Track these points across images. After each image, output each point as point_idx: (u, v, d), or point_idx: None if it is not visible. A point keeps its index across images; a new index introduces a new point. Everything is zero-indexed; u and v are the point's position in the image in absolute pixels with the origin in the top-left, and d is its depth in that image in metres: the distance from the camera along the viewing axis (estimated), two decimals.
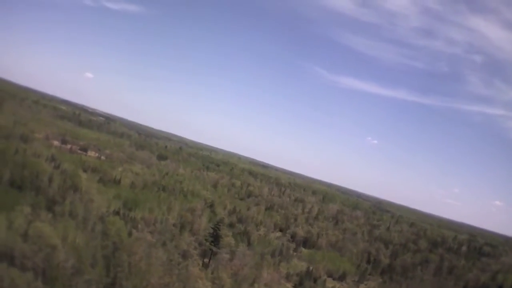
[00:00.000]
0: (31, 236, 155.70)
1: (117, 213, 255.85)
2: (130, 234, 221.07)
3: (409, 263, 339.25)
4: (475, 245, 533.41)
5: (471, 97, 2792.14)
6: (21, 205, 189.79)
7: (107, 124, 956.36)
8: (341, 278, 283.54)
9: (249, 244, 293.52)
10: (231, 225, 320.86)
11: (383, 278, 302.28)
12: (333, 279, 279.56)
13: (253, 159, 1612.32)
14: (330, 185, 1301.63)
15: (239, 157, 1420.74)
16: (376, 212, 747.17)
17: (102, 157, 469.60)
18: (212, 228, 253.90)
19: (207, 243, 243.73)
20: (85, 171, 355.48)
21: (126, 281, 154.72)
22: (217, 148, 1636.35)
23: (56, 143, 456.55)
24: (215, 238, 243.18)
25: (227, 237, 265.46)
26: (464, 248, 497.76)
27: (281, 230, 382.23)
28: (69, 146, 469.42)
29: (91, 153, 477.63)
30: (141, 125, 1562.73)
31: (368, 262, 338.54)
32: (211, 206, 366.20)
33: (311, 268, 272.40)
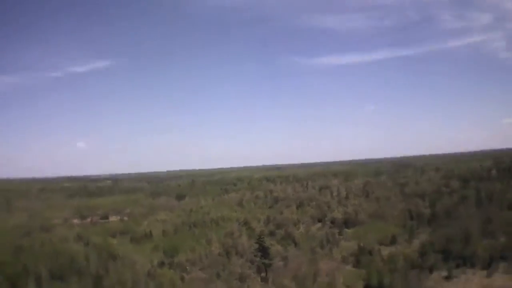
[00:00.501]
0: None
1: (161, 264, 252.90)
2: (182, 279, 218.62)
3: (449, 206, 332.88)
4: (503, 166, 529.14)
5: (448, 33, 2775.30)
6: None
7: (115, 185, 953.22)
8: (393, 242, 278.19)
9: (295, 244, 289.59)
10: (272, 234, 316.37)
11: (431, 228, 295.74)
12: (386, 246, 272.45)
13: (264, 165, 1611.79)
14: (346, 163, 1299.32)
15: (250, 169, 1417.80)
16: (399, 170, 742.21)
17: (125, 218, 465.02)
18: (256, 243, 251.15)
19: (258, 259, 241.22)
20: (113, 237, 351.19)
21: None
22: (227, 168, 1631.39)
23: (76, 221, 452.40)
24: (263, 251, 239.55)
25: (274, 246, 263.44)
26: (493, 172, 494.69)
27: (319, 221, 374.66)
28: (89, 219, 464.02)
29: (113, 218, 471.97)
30: (147, 173, 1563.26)
31: (411, 218, 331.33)
32: (246, 223, 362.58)
33: (361, 243, 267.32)
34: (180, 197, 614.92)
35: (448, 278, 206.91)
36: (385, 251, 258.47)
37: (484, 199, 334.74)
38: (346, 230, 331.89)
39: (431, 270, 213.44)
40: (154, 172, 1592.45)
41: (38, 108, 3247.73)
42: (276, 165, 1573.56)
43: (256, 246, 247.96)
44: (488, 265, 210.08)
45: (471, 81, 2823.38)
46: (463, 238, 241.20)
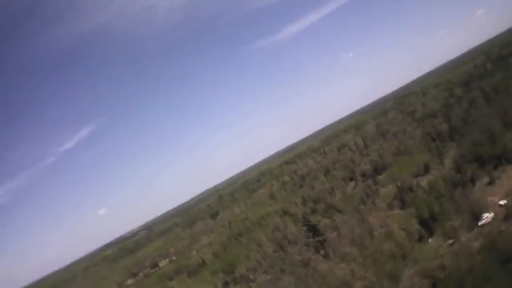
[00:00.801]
0: None
1: (226, 284, 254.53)
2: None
3: (462, 113, 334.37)
4: (495, 56, 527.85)
5: None
6: None
7: (150, 233, 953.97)
8: (426, 170, 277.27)
9: (339, 212, 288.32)
10: (313, 211, 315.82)
11: (456, 141, 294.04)
12: (421, 176, 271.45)
13: (277, 151, 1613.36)
14: (352, 115, 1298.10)
15: (269, 159, 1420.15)
16: (402, 101, 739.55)
17: (173, 258, 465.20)
18: (303, 225, 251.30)
19: (311, 239, 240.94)
20: (170, 280, 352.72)
21: None
22: (245, 169, 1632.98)
23: (129, 281, 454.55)
24: (313, 230, 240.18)
25: (320, 222, 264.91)
26: (489, 66, 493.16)
27: (351, 180, 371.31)
28: (141, 274, 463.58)
29: (162, 263, 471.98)
30: (176, 207, 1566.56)
31: (433, 140, 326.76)
32: (285, 212, 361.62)
33: (399, 184, 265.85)
34: (214, 215, 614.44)
35: (491, 182, 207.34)
36: (423, 181, 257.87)
37: (492, 94, 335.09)
38: (379, 177, 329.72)
39: (473, 181, 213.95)
40: (180, 205, 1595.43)
41: (48, 198, 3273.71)
42: (288, 146, 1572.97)
43: (305, 228, 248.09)
44: None
45: None
46: (489, 138, 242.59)
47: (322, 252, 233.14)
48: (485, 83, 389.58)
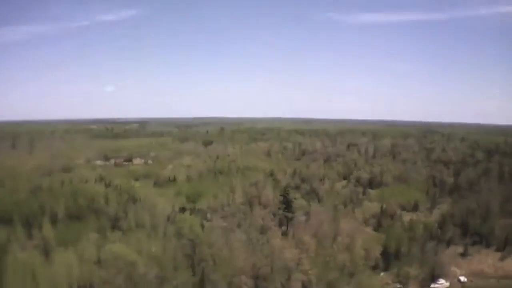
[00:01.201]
0: (106, 260, 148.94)
1: (183, 209, 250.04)
2: (202, 226, 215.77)
3: (472, 177, 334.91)
4: None
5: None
6: (86, 234, 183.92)
7: (143, 129, 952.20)
8: (414, 208, 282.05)
9: (319, 200, 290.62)
10: (296, 187, 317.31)
11: (452, 198, 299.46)
12: (407, 211, 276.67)
13: (293, 118, 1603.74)
14: (374, 122, 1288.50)
15: (281, 120, 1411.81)
16: (426, 135, 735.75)
17: (149, 161, 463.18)
18: (281, 195, 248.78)
19: (281, 212, 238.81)
20: (136, 179, 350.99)
21: (214, 273, 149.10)
22: (257, 118, 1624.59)
23: (99, 162, 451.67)
24: (287, 205, 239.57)
25: (297, 200, 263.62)
26: None
27: (344, 178, 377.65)
28: (112, 161, 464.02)
29: (137, 161, 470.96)
30: (176, 118, 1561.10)
31: (435, 185, 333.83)
32: (271, 174, 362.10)
33: (384, 206, 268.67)
34: (207, 143, 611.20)
35: (463, 255, 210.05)
36: (407, 216, 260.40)
37: (507, 175, 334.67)
38: (370, 190, 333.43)
39: (448, 243, 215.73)
40: (183, 118, 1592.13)
41: (68, 55, 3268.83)
42: (306, 118, 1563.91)
43: (281, 198, 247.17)
44: (503, 247, 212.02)
45: (504, 50, 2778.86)
46: (483, 213, 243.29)
47: (284, 228, 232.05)
48: (507, 162, 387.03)
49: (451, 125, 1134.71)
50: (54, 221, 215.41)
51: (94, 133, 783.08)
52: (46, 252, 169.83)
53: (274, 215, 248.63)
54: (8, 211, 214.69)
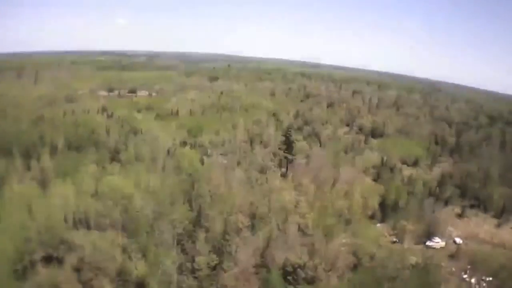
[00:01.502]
0: (103, 193, 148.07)
1: (183, 143, 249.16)
2: (202, 161, 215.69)
3: (474, 140, 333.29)
4: None
5: None
6: (85, 165, 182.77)
7: (150, 62, 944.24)
8: (415, 163, 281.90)
9: (320, 144, 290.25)
10: (299, 129, 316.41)
11: (453, 159, 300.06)
12: (407, 166, 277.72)
13: (301, 61, 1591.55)
14: (380, 74, 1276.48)
15: (288, 62, 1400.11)
16: (431, 93, 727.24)
17: (153, 94, 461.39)
18: (283, 135, 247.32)
19: (281, 152, 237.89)
20: (139, 111, 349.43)
21: (211, 209, 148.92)
22: (264, 58, 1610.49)
23: (103, 93, 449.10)
24: (288, 146, 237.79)
25: (299, 142, 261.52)
26: None
27: (347, 125, 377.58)
28: (116, 92, 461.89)
29: (141, 93, 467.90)
30: (183, 53, 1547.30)
31: (436, 143, 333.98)
32: (274, 114, 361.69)
33: (385, 158, 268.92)
34: (213, 79, 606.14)
35: (460, 215, 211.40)
36: (406, 171, 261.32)
37: (509, 144, 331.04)
38: (372, 139, 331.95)
39: (446, 203, 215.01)
40: (191, 52, 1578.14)
41: None
42: (313, 63, 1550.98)
43: (282, 139, 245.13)
44: (501, 214, 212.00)
45: None
46: (482, 178, 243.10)
47: (283, 169, 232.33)
48: (509, 130, 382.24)
49: (457, 87, 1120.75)
50: (53, 152, 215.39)
51: (101, 65, 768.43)
52: (43, 183, 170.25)
53: (275, 155, 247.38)
54: (8, 142, 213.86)
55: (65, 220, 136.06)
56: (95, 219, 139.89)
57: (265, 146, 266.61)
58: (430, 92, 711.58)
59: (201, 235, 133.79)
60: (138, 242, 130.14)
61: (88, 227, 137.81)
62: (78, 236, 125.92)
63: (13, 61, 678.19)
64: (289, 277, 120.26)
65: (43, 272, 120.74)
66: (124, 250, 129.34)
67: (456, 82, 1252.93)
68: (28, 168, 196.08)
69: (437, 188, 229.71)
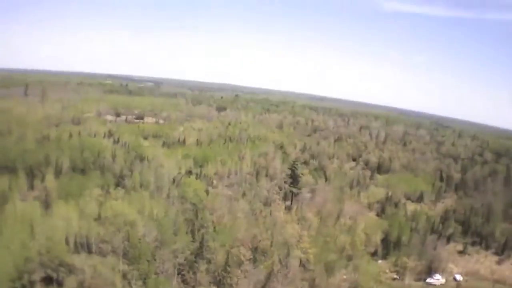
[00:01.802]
0: (106, 217, 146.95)
1: (189, 173, 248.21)
2: (207, 192, 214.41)
3: (479, 176, 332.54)
4: None
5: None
6: (89, 189, 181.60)
7: (157, 88, 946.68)
8: (419, 199, 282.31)
9: (326, 179, 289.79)
10: (305, 163, 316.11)
11: (457, 194, 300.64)
12: (412, 201, 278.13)
13: (308, 94, 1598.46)
14: (388, 108, 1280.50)
15: (295, 95, 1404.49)
16: (438, 128, 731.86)
17: (160, 121, 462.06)
18: (289, 169, 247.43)
19: (287, 186, 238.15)
20: (145, 138, 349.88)
21: (213, 241, 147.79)
22: (272, 90, 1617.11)
23: (110, 118, 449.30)
24: (294, 179, 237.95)
25: (305, 176, 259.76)
26: None
27: (353, 160, 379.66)
28: (123, 117, 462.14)
29: (148, 119, 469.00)
30: (191, 81, 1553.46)
31: (441, 179, 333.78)
32: (281, 147, 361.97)
33: (389, 193, 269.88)
34: (220, 108, 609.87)
35: (462, 253, 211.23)
36: (410, 207, 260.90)
37: None
38: (378, 175, 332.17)
39: (448, 239, 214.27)
40: (199, 82, 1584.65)
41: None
42: (320, 96, 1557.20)
43: (288, 172, 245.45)
44: (502, 250, 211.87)
45: None
46: (485, 214, 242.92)
47: (288, 203, 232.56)
48: None
49: (464, 123, 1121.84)
50: (58, 173, 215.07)
51: (108, 88, 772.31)
52: (46, 204, 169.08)
53: (280, 188, 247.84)
54: (13, 160, 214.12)
55: (67, 243, 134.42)
56: (97, 243, 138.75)
57: (271, 179, 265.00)
58: (437, 128, 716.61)
59: (203, 266, 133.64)
60: (138, 270, 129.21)
61: (90, 251, 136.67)
62: (79, 260, 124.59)
63: (20, 78, 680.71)
64: None
65: None
66: (124, 276, 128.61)
67: (463, 118, 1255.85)
68: (32, 187, 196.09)
69: (440, 224, 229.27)
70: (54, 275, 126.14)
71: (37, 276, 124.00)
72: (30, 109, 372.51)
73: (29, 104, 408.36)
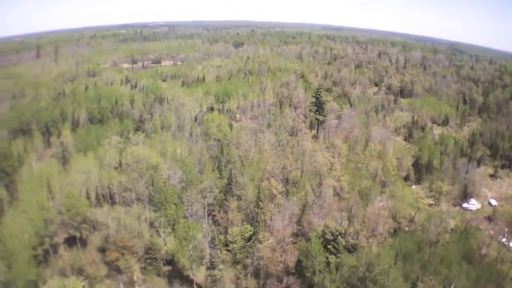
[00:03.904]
0: (127, 164, 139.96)
1: (211, 109, 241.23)
2: (231, 126, 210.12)
3: (501, 99, 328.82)
4: None
5: None
6: (107, 137, 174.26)
7: (173, 31, 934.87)
8: (444, 122, 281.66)
9: (350, 104, 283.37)
10: (328, 90, 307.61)
11: (481, 117, 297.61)
12: (438, 125, 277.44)
13: (324, 24, 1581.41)
14: (403, 35, 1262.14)
15: (311, 26, 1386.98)
16: (455, 53, 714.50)
17: (178, 63, 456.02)
18: (312, 96, 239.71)
19: (312, 114, 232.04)
20: (164, 80, 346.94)
21: (242, 176, 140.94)
22: (286, 23, 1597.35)
23: (126, 66, 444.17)
24: (319, 106, 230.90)
25: (329, 103, 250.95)
26: None
27: (376, 85, 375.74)
28: (140, 64, 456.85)
29: (165, 63, 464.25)
30: (205, 21, 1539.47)
31: (464, 102, 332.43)
32: (302, 76, 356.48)
33: (415, 117, 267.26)
34: (238, 44, 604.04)
35: (492, 176, 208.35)
36: (437, 130, 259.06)
37: None
38: (401, 99, 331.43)
39: (479, 163, 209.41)
40: (213, 21, 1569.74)
41: None
42: (336, 26, 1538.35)
43: (312, 100, 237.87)
44: None
45: None
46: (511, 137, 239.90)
47: (314, 131, 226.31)
48: None
49: (477, 48, 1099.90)
50: (75, 126, 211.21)
51: (122, 37, 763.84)
52: (64, 160, 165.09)
53: (306, 116, 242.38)
54: (27, 121, 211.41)
55: (88, 197, 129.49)
56: (120, 193, 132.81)
57: (295, 108, 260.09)
58: (453, 53, 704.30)
59: (233, 203, 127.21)
60: (166, 215, 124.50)
61: (113, 203, 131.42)
62: (102, 214, 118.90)
63: (31, 42, 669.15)
64: (329, 246, 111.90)
65: (65, 256, 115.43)
66: (151, 225, 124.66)
67: (477, 43, 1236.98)
68: (49, 145, 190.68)
69: (469, 147, 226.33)
70: (77, 234, 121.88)
71: (59, 238, 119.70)
72: (43, 70, 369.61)
73: (42, 65, 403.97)
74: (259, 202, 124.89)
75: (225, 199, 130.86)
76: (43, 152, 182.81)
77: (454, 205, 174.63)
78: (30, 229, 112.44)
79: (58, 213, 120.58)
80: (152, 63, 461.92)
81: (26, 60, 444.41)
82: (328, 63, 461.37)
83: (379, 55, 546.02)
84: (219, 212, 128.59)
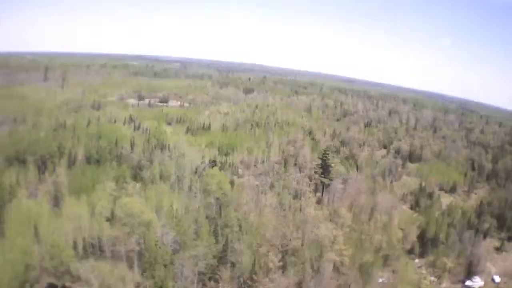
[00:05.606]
0: (119, 217, 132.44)
1: (213, 162, 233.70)
2: (232, 183, 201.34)
3: (510, 166, 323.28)
4: None
5: None
6: (102, 182, 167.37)
7: (184, 69, 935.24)
8: (452, 190, 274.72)
9: (357, 168, 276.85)
10: (335, 151, 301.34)
11: (489, 185, 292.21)
12: (445, 192, 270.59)
13: (337, 75, 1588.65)
14: (414, 91, 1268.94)
15: (324, 76, 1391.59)
16: (464, 113, 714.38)
17: (185, 104, 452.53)
18: (319, 158, 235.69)
19: (317, 176, 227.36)
20: (169, 123, 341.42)
21: (239, 242, 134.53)
22: (300, 71, 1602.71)
23: (132, 101, 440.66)
24: (324, 169, 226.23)
25: (336, 166, 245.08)
26: None
27: (384, 147, 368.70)
28: (147, 101, 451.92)
29: (173, 103, 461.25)
30: (218, 61, 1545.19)
31: (473, 169, 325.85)
32: (310, 133, 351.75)
33: (423, 184, 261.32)
34: (248, 90, 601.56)
35: (498, 250, 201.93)
36: (444, 198, 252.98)
37: None
38: (409, 164, 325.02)
39: (485, 235, 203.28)
40: (226, 61, 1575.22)
41: None
42: (348, 77, 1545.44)
43: (319, 161, 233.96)
44: None
45: None
46: None
47: (319, 194, 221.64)
48: None
49: (485, 106, 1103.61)
50: (71, 164, 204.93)
51: (132, 70, 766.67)
52: (55, 200, 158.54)
53: (310, 179, 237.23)
54: (23, 150, 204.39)
55: (75, 247, 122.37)
56: (109, 246, 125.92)
57: (300, 168, 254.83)
58: (463, 113, 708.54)
59: (226, 274, 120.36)
60: (153, 278, 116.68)
61: (101, 255, 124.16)
62: (85, 269, 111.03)
63: (41, 61, 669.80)
64: None
65: None
66: (137, 286, 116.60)
67: (486, 102, 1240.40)
68: (42, 180, 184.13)
69: (476, 219, 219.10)
70: (60, 283, 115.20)
71: (41, 285, 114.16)
72: (48, 95, 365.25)
73: (48, 89, 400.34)
74: (254, 275, 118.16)
75: (217, 266, 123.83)
76: (35, 186, 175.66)
77: (457, 282, 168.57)
78: (10, 272, 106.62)
79: (41, 259, 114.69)
80: (159, 102, 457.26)
81: (34, 82, 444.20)
82: (338, 120, 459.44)
83: (390, 113, 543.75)
84: (210, 280, 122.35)
